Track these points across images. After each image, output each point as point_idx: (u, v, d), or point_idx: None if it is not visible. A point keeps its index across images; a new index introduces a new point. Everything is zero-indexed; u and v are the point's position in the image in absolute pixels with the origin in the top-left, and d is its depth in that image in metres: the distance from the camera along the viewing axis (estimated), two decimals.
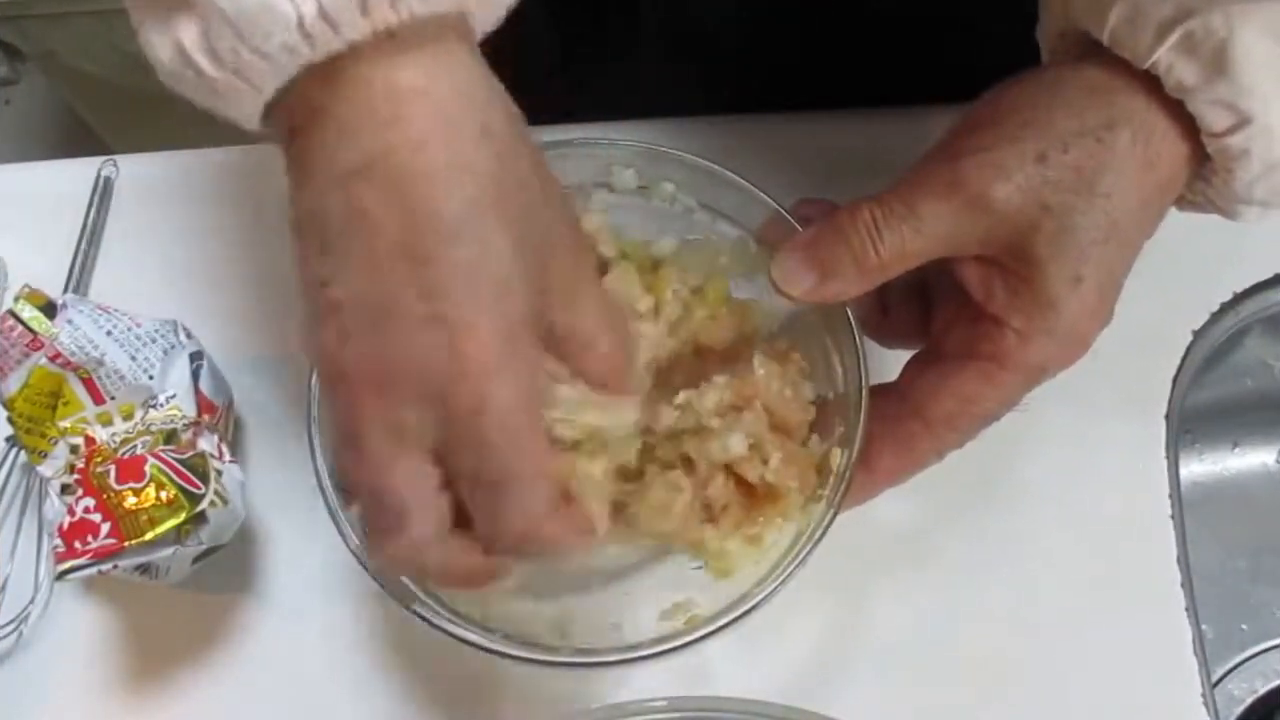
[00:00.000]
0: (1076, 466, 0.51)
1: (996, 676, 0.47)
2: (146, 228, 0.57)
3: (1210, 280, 0.55)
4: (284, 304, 0.55)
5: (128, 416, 0.47)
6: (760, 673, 0.47)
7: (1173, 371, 0.53)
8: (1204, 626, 0.50)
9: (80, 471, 0.45)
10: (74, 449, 0.46)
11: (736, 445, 0.40)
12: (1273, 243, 0.56)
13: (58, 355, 0.46)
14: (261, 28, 0.28)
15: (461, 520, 0.33)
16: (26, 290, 0.47)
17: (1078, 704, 0.47)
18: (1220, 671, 0.63)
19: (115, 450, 0.46)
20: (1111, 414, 0.51)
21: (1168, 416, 0.52)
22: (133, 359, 0.47)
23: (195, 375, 0.48)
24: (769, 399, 0.41)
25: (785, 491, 0.40)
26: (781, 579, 0.38)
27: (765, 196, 0.43)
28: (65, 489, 0.45)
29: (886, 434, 0.39)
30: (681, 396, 0.41)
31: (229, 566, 0.49)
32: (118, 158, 0.58)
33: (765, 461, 0.40)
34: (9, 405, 0.46)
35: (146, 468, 0.43)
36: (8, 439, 0.51)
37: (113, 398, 0.47)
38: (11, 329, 0.46)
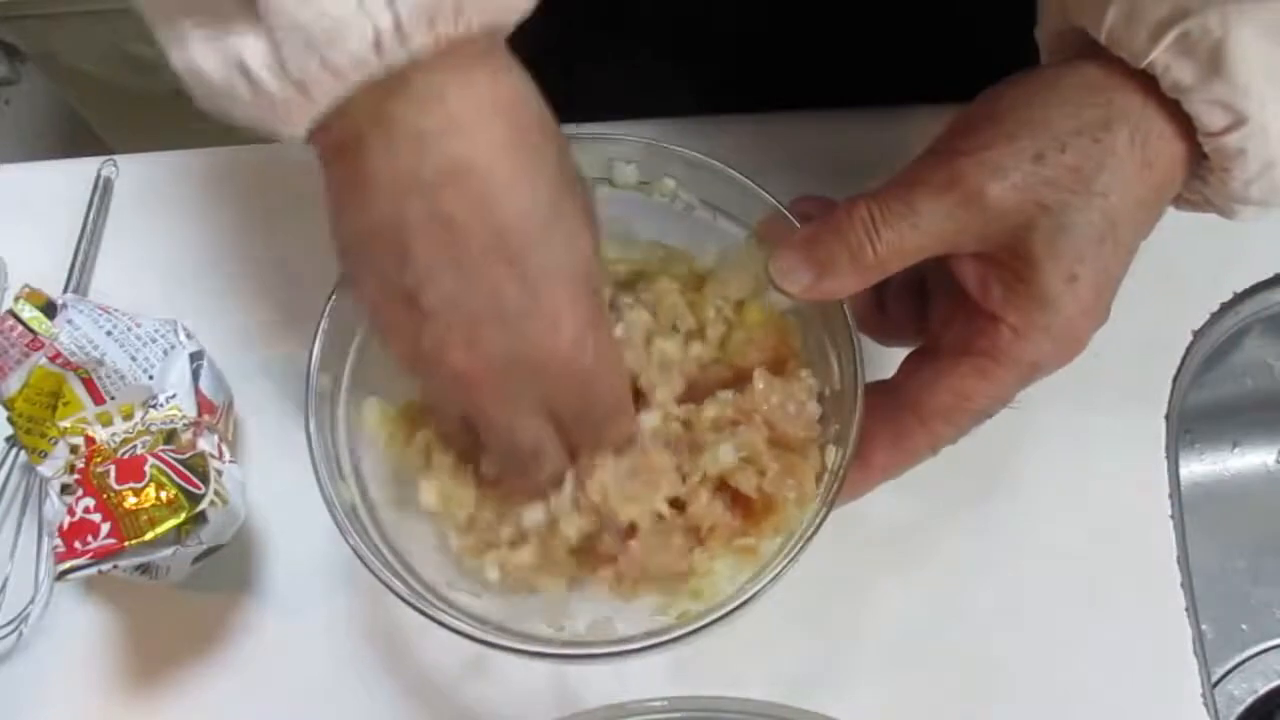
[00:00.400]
0: (1076, 466, 0.51)
1: (996, 676, 0.47)
2: (146, 228, 0.57)
3: (1210, 280, 0.55)
4: (284, 304, 0.55)
5: (128, 416, 0.47)
6: (759, 671, 0.47)
7: (1173, 371, 0.53)
8: (1204, 626, 0.50)
9: (80, 471, 0.45)
10: (74, 449, 0.46)
11: (727, 456, 0.40)
12: (1273, 243, 0.56)
13: (58, 355, 0.46)
14: (336, 42, 0.29)
15: None
16: (26, 290, 0.47)
17: (1077, 703, 0.47)
18: (1220, 671, 0.63)
19: (115, 450, 0.46)
20: (1111, 414, 0.51)
21: (1168, 416, 0.52)
22: (133, 359, 0.47)
23: (195, 375, 0.48)
24: (769, 413, 0.41)
25: (782, 503, 0.40)
26: (774, 575, 0.38)
27: (765, 193, 0.43)
28: (65, 489, 0.45)
29: (881, 428, 0.39)
30: (680, 410, 0.41)
31: (229, 566, 0.49)
32: (118, 158, 0.58)
33: (762, 473, 0.40)
34: (9, 405, 0.46)
35: (146, 468, 0.43)
36: (8, 439, 0.51)
37: (113, 398, 0.47)
38: (11, 329, 0.46)
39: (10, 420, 0.46)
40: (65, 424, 0.46)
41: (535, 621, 0.43)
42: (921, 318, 0.42)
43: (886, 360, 0.42)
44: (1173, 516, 0.50)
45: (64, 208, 0.57)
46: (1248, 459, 0.67)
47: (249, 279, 0.55)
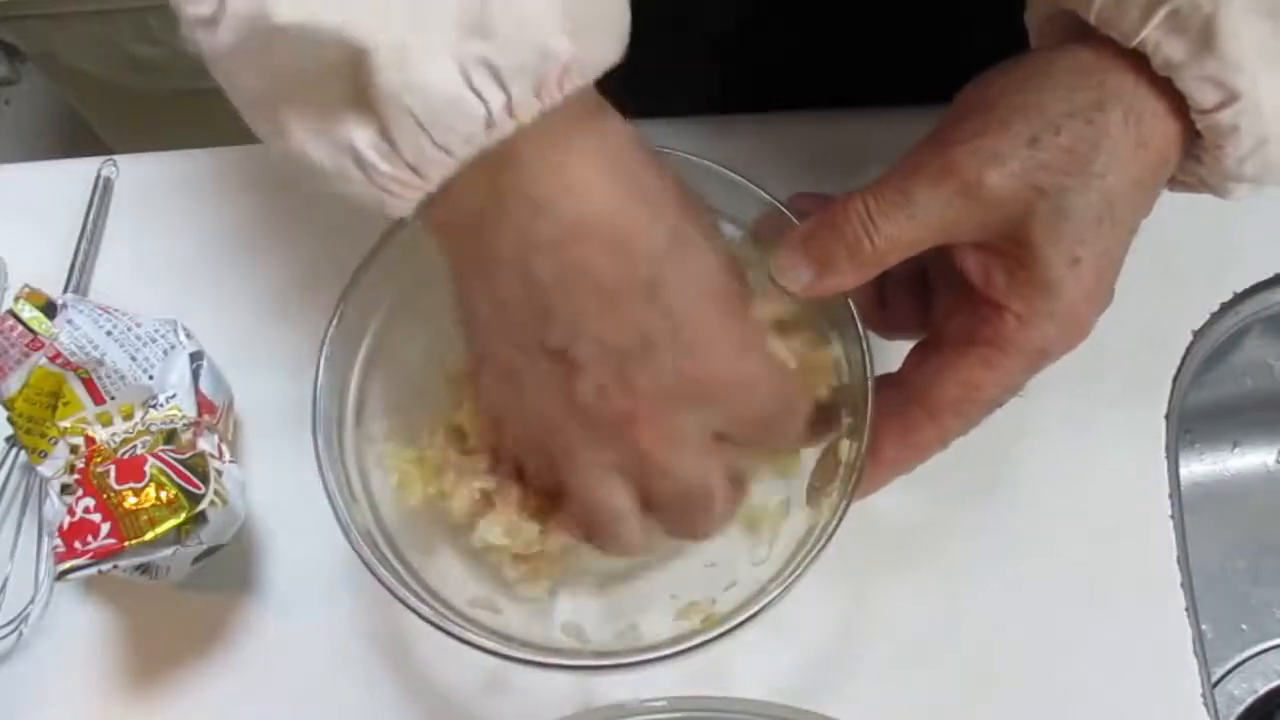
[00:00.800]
0: (1076, 465, 0.51)
1: (996, 676, 0.47)
2: (146, 228, 0.57)
3: (1210, 280, 0.55)
4: (284, 304, 0.55)
5: (128, 416, 0.47)
6: (761, 671, 0.47)
7: (1173, 371, 0.53)
8: (1204, 626, 0.50)
9: (80, 471, 0.45)
10: (74, 449, 0.46)
11: None
12: (1273, 243, 0.56)
13: (58, 355, 0.46)
14: (448, 124, 0.29)
15: None
16: (26, 290, 0.47)
17: (1077, 703, 0.47)
18: (1220, 671, 0.63)
19: (115, 450, 0.46)
20: (1112, 414, 0.51)
21: (1168, 416, 0.52)
22: (133, 359, 0.47)
23: (195, 375, 0.48)
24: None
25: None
26: (797, 573, 0.38)
27: (763, 192, 0.43)
28: (65, 489, 0.45)
29: (890, 423, 0.39)
30: None
31: (229, 566, 0.49)
32: (118, 158, 0.58)
33: None
34: (9, 405, 0.46)
35: (146, 468, 0.43)
36: (8, 439, 0.51)
37: (113, 398, 0.47)
38: (11, 329, 0.46)
39: (10, 420, 0.46)
40: (65, 424, 0.46)
41: (555, 632, 0.42)
42: (924, 310, 0.41)
43: (892, 355, 0.42)
44: (1173, 516, 0.50)
45: (64, 208, 0.57)
46: (1248, 459, 0.67)
47: (249, 279, 0.55)
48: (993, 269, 0.37)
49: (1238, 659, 0.64)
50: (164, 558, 0.43)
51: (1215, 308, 0.54)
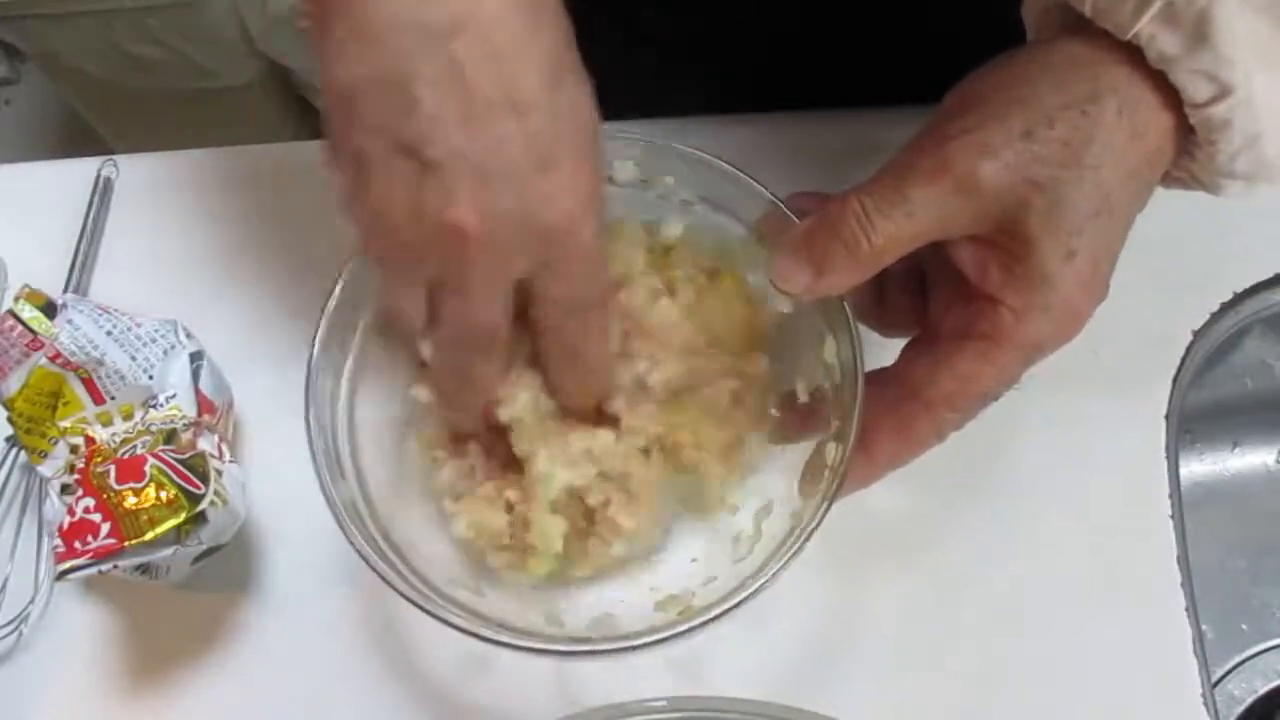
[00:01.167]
0: (1076, 466, 0.51)
1: (995, 677, 0.47)
2: (146, 228, 0.57)
3: (1210, 280, 0.55)
4: (284, 304, 0.55)
5: (128, 416, 0.47)
6: (758, 670, 0.47)
7: (1173, 371, 0.53)
8: (1204, 626, 0.50)
9: (80, 471, 0.45)
10: (74, 449, 0.46)
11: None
12: (1273, 243, 0.56)
13: (58, 355, 0.46)
14: None
15: None
16: (26, 290, 0.47)
17: (1077, 703, 0.47)
18: (1220, 671, 0.63)
19: (115, 450, 0.46)
20: (1112, 414, 0.51)
21: (1168, 416, 0.52)
22: (133, 359, 0.47)
23: (195, 375, 0.48)
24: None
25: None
26: (775, 571, 0.38)
27: (764, 190, 0.43)
28: (65, 489, 0.45)
29: (885, 417, 0.39)
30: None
31: (229, 566, 0.49)
32: (118, 158, 0.58)
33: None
34: (9, 405, 0.46)
35: (146, 468, 0.43)
36: (8, 439, 0.51)
37: (113, 398, 0.47)
38: (11, 329, 0.46)
39: (10, 420, 0.46)
40: (65, 424, 0.46)
41: (536, 619, 0.43)
42: (922, 306, 0.41)
43: (886, 353, 0.42)
44: (1173, 516, 0.50)
45: (64, 208, 0.57)
46: (1248, 459, 0.67)
47: (249, 279, 0.55)
48: (988, 263, 0.37)
49: (1238, 659, 0.64)
50: (164, 558, 0.43)
51: (1215, 308, 0.54)
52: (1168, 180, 0.39)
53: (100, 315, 0.48)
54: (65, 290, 0.55)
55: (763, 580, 0.38)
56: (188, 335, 0.50)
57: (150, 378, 0.47)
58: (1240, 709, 0.63)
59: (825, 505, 0.39)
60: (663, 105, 0.55)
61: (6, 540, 0.50)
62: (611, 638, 0.39)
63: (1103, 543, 0.49)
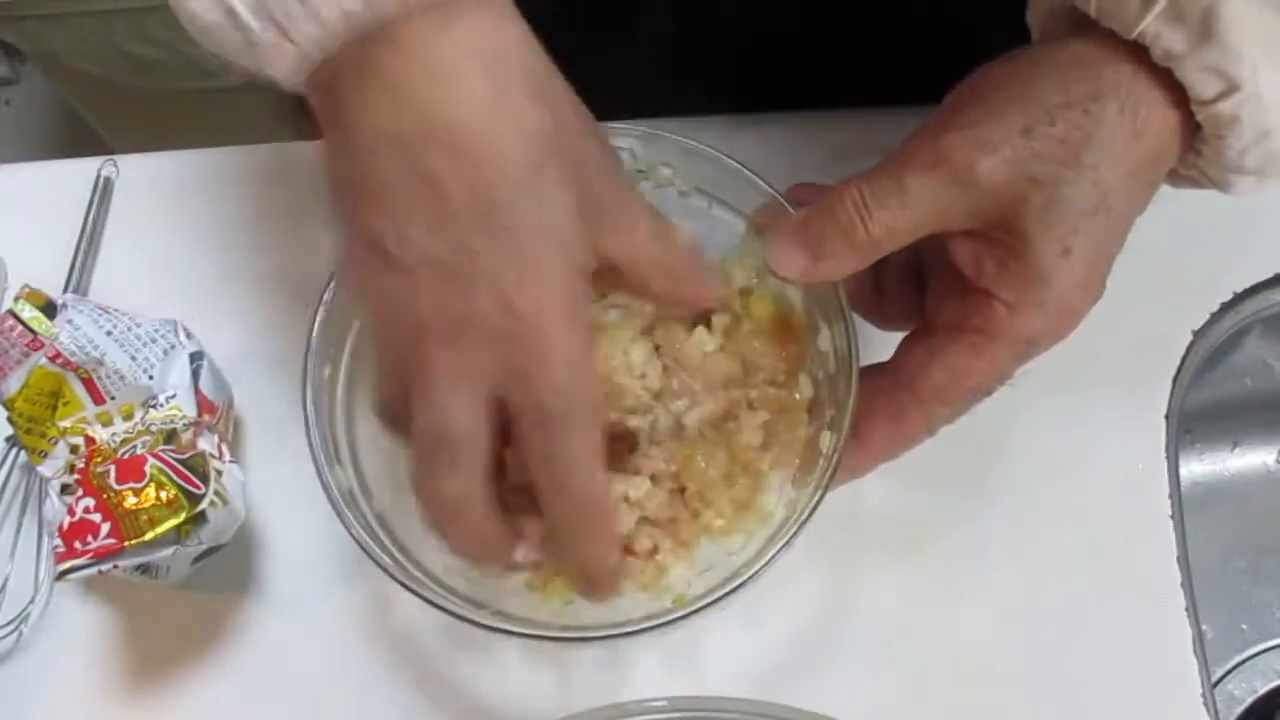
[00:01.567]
0: (1076, 466, 0.51)
1: (995, 677, 0.47)
2: (146, 228, 0.57)
3: (1210, 280, 0.55)
4: (284, 303, 0.55)
5: (128, 416, 0.47)
6: (758, 670, 0.47)
7: (1173, 371, 0.53)
8: (1204, 626, 0.50)
9: (80, 471, 0.45)
10: (74, 449, 0.46)
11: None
12: (1273, 243, 0.56)
13: (58, 355, 0.46)
14: None
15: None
16: (26, 290, 0.47)
17: (1077, 703, 0.47)
18: (1220, 671, 0.63)
19: (115, 450, 0.46)
20: (1111, 414, 0.51)
21: (1168, 416, 0.52)
22: (133, 359, 0.47)
23: (195, 375, 0.48)
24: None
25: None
26: (767, 561, 0.38)
27: (761, 182, 0.43)
28: (65, 489, 0.45)
29: (878, 407, 0.39)
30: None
31: (229, 566, 0.49)
32: (118, 158, 0.58)
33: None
34: (9, 405, 0.46)
35: (146, 468, 0.43)
36: (8, 439, 0.51)
37: (113, 398, 0.47)
38: (11, 329, 0.46)
39: (10, 420, 0.46)
40: (65, 424, 0.46)
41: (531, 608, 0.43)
42: (921, 301, 0.41)
43: (883, 347, 0.42)
44: (1173, 516, 0.50)
45: (64, 208, 0.57)
46: (1248, 459, 0.67)
47: (249, 279, 0.55)
48: (983, 257, 0.37)
49: (1238, 659, 0.64)
50: (164, 558, 0.43)
51: (1215, 308, 0.54)
52: (1177, 179, 0.39)
53: (100, 315, 0.48)
54: (65, 290, 0.55)
55: (757, 568, 0.38)
56: (188, 335, 0.50)
57: (150, 378, 0.47)
58: (1240, 709, 0.63)
59: (819, 494, 0.39)
60: (662, 106, 0.55)
61: (6, 540, 0.50)
62: (606, 625, 0.39)
63: (1103, 542, 0.49)
